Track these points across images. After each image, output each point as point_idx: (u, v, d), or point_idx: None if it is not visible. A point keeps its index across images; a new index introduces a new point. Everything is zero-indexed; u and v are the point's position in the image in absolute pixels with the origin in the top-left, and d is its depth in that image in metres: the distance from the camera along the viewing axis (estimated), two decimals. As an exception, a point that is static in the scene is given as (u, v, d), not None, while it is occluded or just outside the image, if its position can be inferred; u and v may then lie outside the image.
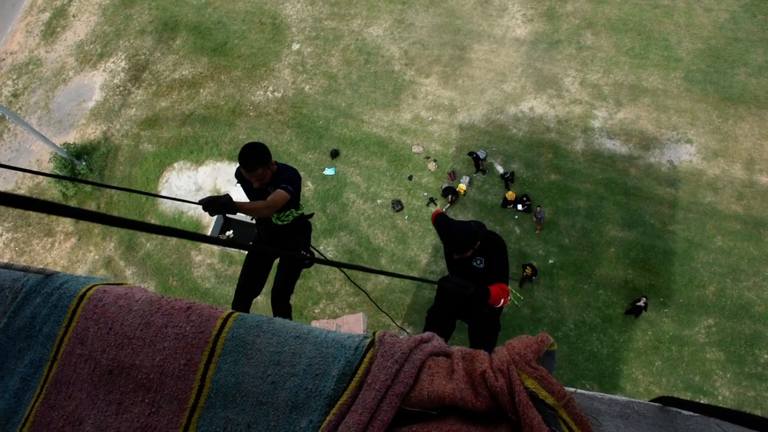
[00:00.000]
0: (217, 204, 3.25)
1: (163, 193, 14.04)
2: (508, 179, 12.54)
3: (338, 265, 2.41)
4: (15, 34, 18.02)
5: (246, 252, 6.18)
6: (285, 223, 4.37)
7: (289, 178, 4.00)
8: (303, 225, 4.70)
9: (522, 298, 11.45)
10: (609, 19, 14.09)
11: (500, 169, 12.73)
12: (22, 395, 1.55)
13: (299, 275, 4.92)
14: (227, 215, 3.27)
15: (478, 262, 4.05)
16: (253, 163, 3.76)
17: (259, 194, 4.14)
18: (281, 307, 4.86)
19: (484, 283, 3.83)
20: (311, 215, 4.77)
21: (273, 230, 4.46)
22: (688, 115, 12.67)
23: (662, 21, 13.83)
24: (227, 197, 3.27)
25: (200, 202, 3.25)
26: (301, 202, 4.51)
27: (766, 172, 11.88)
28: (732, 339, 10.75)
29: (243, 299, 4.75)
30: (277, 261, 5.01)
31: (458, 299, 4.20)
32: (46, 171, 14.89)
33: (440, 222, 4.18)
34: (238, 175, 4.22)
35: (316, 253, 4.94)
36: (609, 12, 14.19)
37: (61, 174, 14.35)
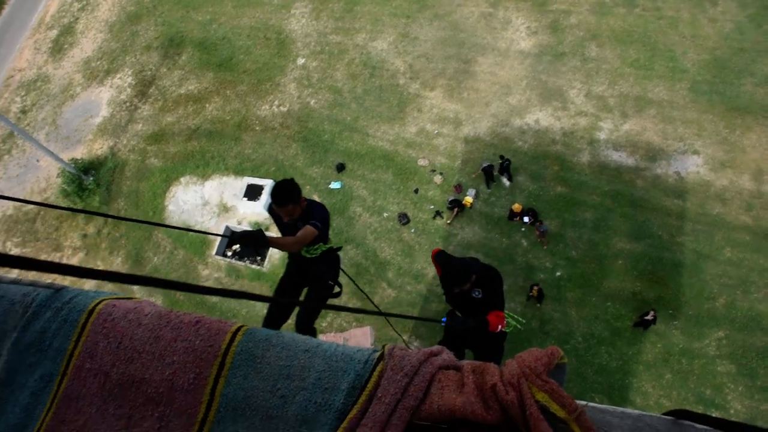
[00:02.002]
0: (251, 239, 3.50)
1: (170, 208, 14.11)
2: (505, 167, 12.57)
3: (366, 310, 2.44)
4: (23, 52, 18.24)
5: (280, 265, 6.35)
6: (314, 256, 4.61)
7: (318, 215, 4.25)
8: (331, 258, 4.94)
9: (524, 321, 11.38)
10: (613, 31, 14.12)
11: (506, 183, 12.72)
12: (32, 410, 1.55)
13: (326, 303, 5.21)
14: (259, 249, 3.53)
15: (477, 293, 4.55)
16: (284, 198, 4.02)
17: (288, 228, 4.38)
18: (306, 329, 5.06)
19: (483, 312, 4.40)
20: (339, 249, 5.01)
21: (302, 262, 4.74)
22: (695, 126, 12.64)
23: (667, 32, 13.84)
24: (260, 232, 3.51)
25: (234, 236, 3.46)
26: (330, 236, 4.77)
27: (773, 183, 11.82)
28: (743, 351, 10.63)
29: (272, 327, 4.92)
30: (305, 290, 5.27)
31: (463, 333, 4.61)
32: (54, 186, 15.02)
33: (441, 260, 4.59)
34: (269, 209, 4.50)
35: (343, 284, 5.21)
36: (613, 24, 14.22)
37: (68, 189, 14.45)
